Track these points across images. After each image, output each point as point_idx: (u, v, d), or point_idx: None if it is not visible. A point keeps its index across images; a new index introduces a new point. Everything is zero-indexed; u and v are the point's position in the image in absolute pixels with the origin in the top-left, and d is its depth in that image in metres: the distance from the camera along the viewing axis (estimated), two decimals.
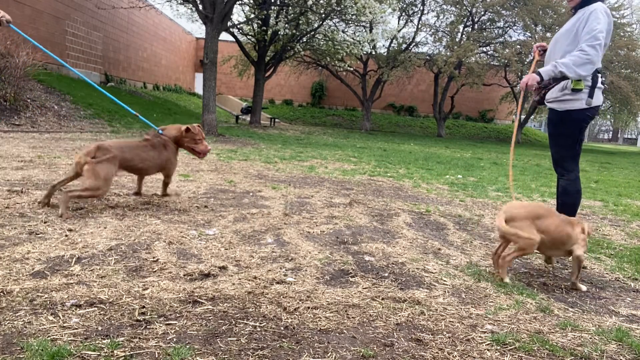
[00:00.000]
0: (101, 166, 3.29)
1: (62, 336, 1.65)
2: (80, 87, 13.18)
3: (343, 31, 18.84)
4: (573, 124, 3.12)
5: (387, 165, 8.05)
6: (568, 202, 3.24)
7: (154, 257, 2.49)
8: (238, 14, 26.64)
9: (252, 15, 16.20)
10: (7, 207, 3.23)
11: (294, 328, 1.84)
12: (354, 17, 15.56)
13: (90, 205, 3.50)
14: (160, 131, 3.86)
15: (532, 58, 20.35)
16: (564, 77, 3.07)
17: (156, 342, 1.65)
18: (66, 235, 2.74)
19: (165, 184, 4.01)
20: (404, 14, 23.38)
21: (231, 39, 17.15)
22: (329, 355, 1.66)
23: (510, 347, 1.82)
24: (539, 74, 3.00)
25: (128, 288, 2.08)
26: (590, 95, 3.02)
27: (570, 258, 2.65)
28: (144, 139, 3.81)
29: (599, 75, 3.05)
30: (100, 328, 1.72)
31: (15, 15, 12.43)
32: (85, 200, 3.54)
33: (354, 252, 2.90)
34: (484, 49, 23.37)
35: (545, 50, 3.40)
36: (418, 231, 3.55)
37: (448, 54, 21.18)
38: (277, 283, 2.28)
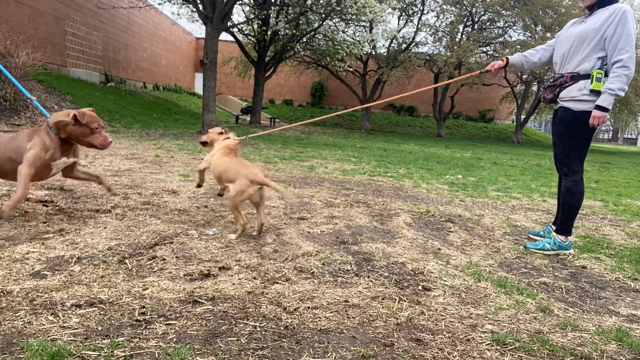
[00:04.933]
0: None
1: (62, 336, 1.65)
2: (80, 87, 13.19)
3: (343, 31, 18.83)
4: (587, 125, 3.04)
5: (387, 165, 8.04)
6: (572, 203, 3.22)
7: (154, 257, 2.49)
8: (238, 14, 26.67)
9: (252, 16, 16.20)
10: None
11: (294, 328, 1.84)
12: (354, 17, 15.56)
13: (89, 206, 3.50)
14: (49, 116, 3.07)
15: None
16: (582, 77, 3.03)
17: (156, 342, 1.65)
18: (66, 235, 2.74)
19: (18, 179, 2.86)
20: (404, 14, 23.37)
21: (231, 39, 17.14)
22: (329, 355, 1.66)
23: (510, 347, 1.82)
24: (601, 107, 2.92)
25: (128, 288, 2.08)
26: None
27: None
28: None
29: None
30: (100, 328, 1.72)
31: (15, 15, 12.43)
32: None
33: (354, 252, 2.90)
34: (484, 49, 23.36)
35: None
36: (418, 231, 3.55)
37: (448, 54, 21.17)
38: (277, 283, 2.28)
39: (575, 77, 3.06)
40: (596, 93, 2.96)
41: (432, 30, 23.12)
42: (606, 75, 2.96)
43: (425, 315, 2.06)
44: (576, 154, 3.18)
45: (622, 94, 2.89)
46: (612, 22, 2.90)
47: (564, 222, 3.26)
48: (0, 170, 2.98)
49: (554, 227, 3.40)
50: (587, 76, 3.00)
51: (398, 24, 23.23)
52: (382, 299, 2.19)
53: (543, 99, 3.35)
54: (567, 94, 3.10)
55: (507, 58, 3.49)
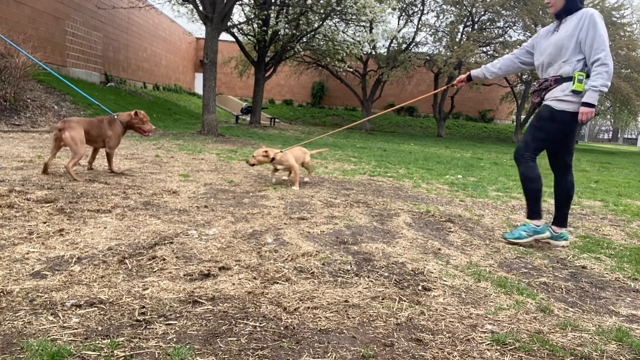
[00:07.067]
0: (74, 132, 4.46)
1: (62, 336, 1.65)
2: (80, 87, 13.18)
3: (343, 31, 18.84)
4: (561, 124, 3.20)
5: (387, 165, 8.05)
6: (529, 187, 3.36)
7: (154, 257, 2.49)
8: (238, 14, 26.68)
9: (252, 16, 16.20)
10: (7, 207, 3.23)
11: (294, 328, 1.84)
12: (354, 17, 15.56)
13: (89, 206, 3.50)
14: (115, 116, 4.89)
15: None
16: (565, 79, 3.18)
17: (156, 342, 1.65)
18: (66, 235, 2.74)
19: (108, 155, 4.95)
20: (404, 14, 23.39)
21: (231, 39, 17.15)
22: (329, 355, 1.66)
23: (510, 347, 1.82)
24: (587, 104, 3.04)
25: (128, 288, 2.08)
26: None
27: None
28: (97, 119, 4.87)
29: None
30: (100, 328, 1.72)
31: (16, 15, 12.43)
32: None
33: (354, 252, 2.90)
34: (484, 49, 23.38)
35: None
36: (418, 231, 3.55)
37: (448, 54, 21.17)
38: (277, 283, 2.28)
39: (559, 80, 3.22)
40: (577, 94, 3.11)
41: (432, 30, 23.14)
42: (587, 77, 3.10)
43: (425, 315, 2.06)
44: (534, 144, 3.33)
45: (606, 89, 3.03)
46: (582, 26, 3.09)
47: (528, 206, 3.40)
48: (96, 137, 4.77)
49: (553, 227, 3.42)
50: (569, 78, 3.16)
51: (398, 24, 23.26)
52: (382, 299, 2.19)
53: (532, 103, 3.50)
54: (551, 95, 3.26)
55: (469, 72, 3.80)
